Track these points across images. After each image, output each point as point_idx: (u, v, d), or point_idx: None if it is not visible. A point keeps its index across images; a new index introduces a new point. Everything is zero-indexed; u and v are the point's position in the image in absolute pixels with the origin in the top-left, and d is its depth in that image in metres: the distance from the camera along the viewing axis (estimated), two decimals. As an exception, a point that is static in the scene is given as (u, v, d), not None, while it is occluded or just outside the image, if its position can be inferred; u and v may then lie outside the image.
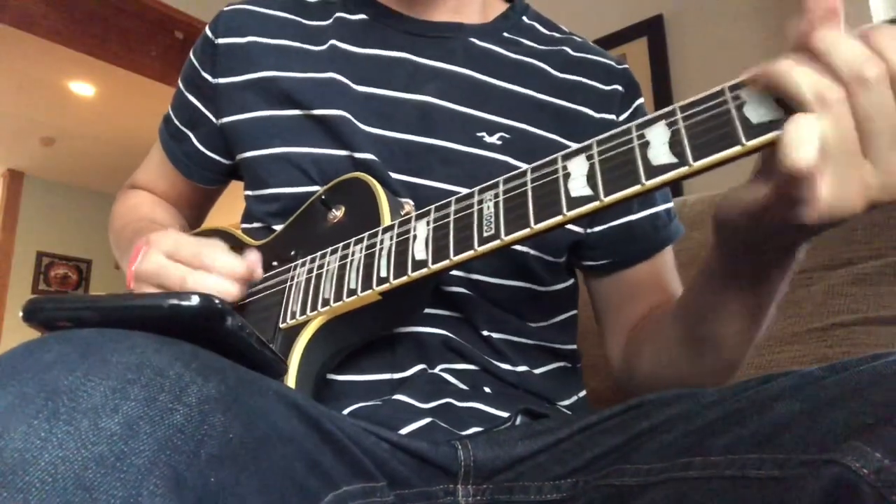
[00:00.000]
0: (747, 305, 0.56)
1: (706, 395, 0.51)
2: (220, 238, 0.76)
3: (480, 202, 0.54)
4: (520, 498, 0.57)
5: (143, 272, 0.60)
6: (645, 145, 0.46)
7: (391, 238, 0.58)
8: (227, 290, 0.60)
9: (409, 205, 0.65)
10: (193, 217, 0.94)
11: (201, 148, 0.81)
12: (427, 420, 0.60)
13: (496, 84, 0.74)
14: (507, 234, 0.51)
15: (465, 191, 0.55)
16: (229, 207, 1.05)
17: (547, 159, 0.52)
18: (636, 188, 0.45)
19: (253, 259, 0.64)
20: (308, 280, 0.62)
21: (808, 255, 0.92)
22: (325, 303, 0.58)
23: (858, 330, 0.84)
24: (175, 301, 0.42)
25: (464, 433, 0.60)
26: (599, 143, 0.49)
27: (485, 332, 0.67)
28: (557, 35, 0.83)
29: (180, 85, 0.82)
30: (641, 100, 0.81)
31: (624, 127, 0.48)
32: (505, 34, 0.79)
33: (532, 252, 0.71)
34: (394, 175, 0.68)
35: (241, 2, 0.80)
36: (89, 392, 0.32)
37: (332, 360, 0.62)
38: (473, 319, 0.67)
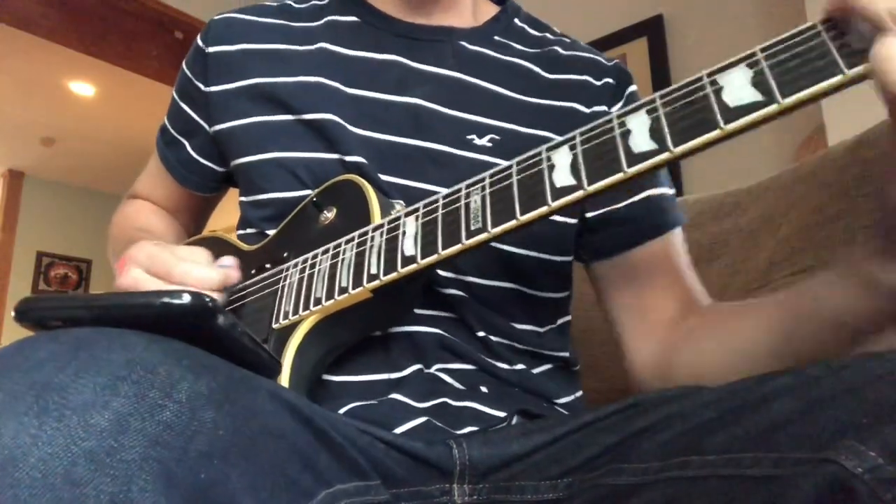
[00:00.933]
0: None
1: (703, 394, 0.51)
2: (213, 245, 0.77)
3: (468, 196, 0.54)
4: (516, 497, 0.56)
5: (122, 287, 0.62)
6: (626, 133, 0.47)
7: (381, 235, 0.58)
8: None
9: (399, 205, 0.65)
10: (192, 224, 0.94)
11: (195, 156, 0.82)
12: (422, 419, 0.60)
13: (486, 87, 0.74)
14: (493, 227, 0.51)
15: (455, 187, 0.56)
16: (231, 213, 1.05)
17: (532, 152, 0.53)
18: (619, 176, 0.47)
19: (227, 264, 0.64)
20: (300, 280, 0.62)
21: (808, 255, 0.92)
22: (318, 302, 0.59)
23: (858, 330, 0.84)
24: (166, 299, 0.42)
25: (459, 432, 0.60)
26: (582, 133, 0.50)
27: (480, 333, 0.67)
28: (549, 36, 0.83)
29: (174, 95, 0.83)
30: (634, 87, 0.81)
31: (606, 117, 0.49)
32: (495, 37, 0.79)
33: (535, 255, 0.71)
34: (384, 177, 0.68)
35: (231, 10, 0.80)
36: (79, 389, 0.32)
37: (325, 359, 0.62)
38: (467, 320, 0.67)
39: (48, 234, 5.16)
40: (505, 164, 0.54)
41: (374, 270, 0.56)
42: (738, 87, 0.43)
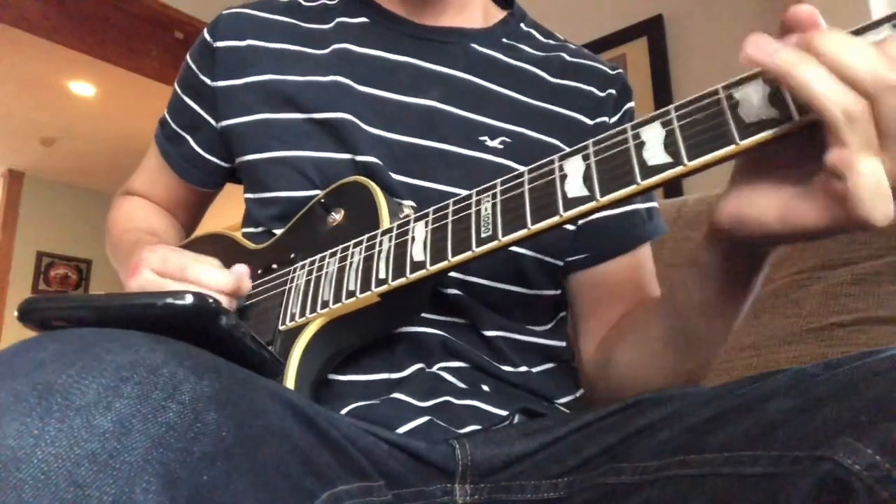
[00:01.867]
0: (736, 304, 0.56)
1: (701, 393, 0.51)
2: (218, 242, 0.77)
3: (478, 203, 0.54)
4: (517, 497, 0.57)
5: (132, 289, 0.61)
6: (640, 145, 0.46)
7: (390, 240, 0.58)
8: None
9: (408, 208, 0.65)
10: (189, 221, 0.94)
11: (200, 151, 0.82)
12: (425, 419, 0.60)
13: (496, 90, 0.75)
14: (504, 235, 0.51)
15: (467, 194, 0.56)
16: (222, 210, 1.05)
17: (544, 161, 0.52)
18: (632, 188, 0.46)
19: (240, 272, 0.64)
20: (307, 282, 0.62)
21: (808, 255, 0.92)
22: (325, 304, 0.59)
23: (858, 330, 0.84)
24: (169, 300, 0.42)
25: (461, 431, 0.60)
26: (595, 143, 0.49)
27: (486, 333, 0.67)
28: (553, 42, 0.84)
29: (177, 89, 0.82)
30: (631, 104, 0.82)
31: (620, 128, 0.48)
32: (504, 40, 0.80)
33: (532, 255, 0.71)
34: (396, 177, 0.68)
35: (239, 6, 0.80)
36: (82, 390, 0.33)
37: (330, 361, 0.62)
38: (472, 321, 0.67)
39: (48, 234, 5.15)
40: (517, 167, 0.54)
41: (382, 275, 0.56)
42: (755, 103, 0.42)
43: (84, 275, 5.33)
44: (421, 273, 0.54)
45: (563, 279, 0.79)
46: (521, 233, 0.50)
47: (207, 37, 0.78)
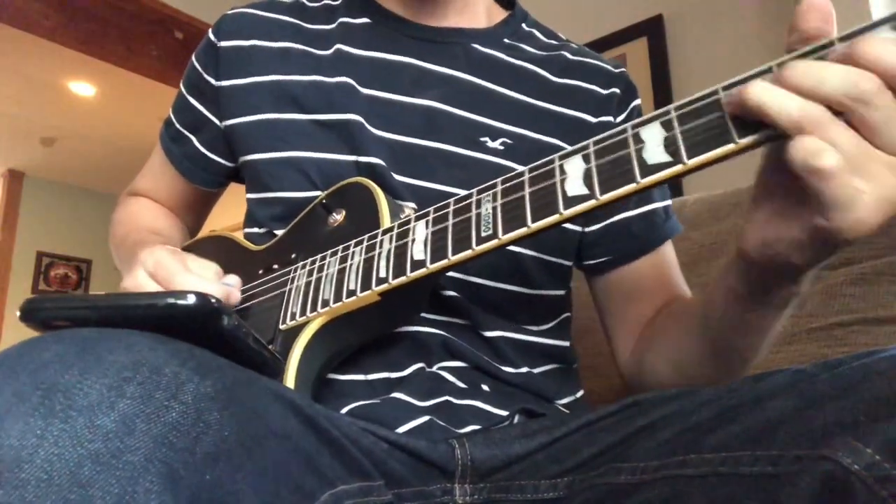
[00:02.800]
0: (769, 322, 0.55)
1: (701, 393, 0.51)
2: (220, 244, 0.77)
3: (479, 203, 0.54)
4: (516, 496, 0.57)
5: (125, 288, 0.62)
6: (640, 144, 0.47)
7: (390, 240, 0.58)
8: None
9: (409, 208, 0.65)
10: (193, 221, 0.94)
11: (203, 150, 0.82)
12: (425, 418, 0.60)
13: (498, 90, 0.75)
14: (504, 234, 0.51)
15: (466, 193, 0.56)
16: (225, 210, 1.05)
17: (544, 160, 0.52)
18: (632, 186, 0.46)
19: (230, 284, 0.64)
20: (308, 282, 0.62)
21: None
22: (325, 304, 0.59)
23: (858, 330, 0.84)
24: (171, 300, 0.42)
25: (461, 431, 0.60)
26: (595, 143, 0.49)
27: (486, 334, 0.67)
28: (555, 42, 0.84)
29: (182, 88, 0.83)
30: (638, 101, 0.82)
31: (620, 127, 0.48)
32: (506, 40, 0.80)
33: (533, 254, 0.71)
34: (398, 177, 0.68)
35: (243, 6, 0.80)
36: (85, 390, 0.33)
37: (331, 361, 0.62)
38: (472, 322, 0.67)
39: (48, 234, 5.15)
40: (518, 167, 0.54)
41: (382, 274, 0.56)
42: None
43: (84, 275, 5.33)
44: (421, 272, 0.55)
45: (590, 277, 0.79)
46: (521, 231, 0.50)
47: (212, 37, 0.79)
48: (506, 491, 0.57)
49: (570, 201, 0.49)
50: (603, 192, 0.47)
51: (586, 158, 0.49)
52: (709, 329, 0.60)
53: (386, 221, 0.61)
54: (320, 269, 0.62)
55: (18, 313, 0.47)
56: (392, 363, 0.64)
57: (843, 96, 0.38)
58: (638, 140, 0.47)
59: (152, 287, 0.60)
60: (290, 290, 0.64)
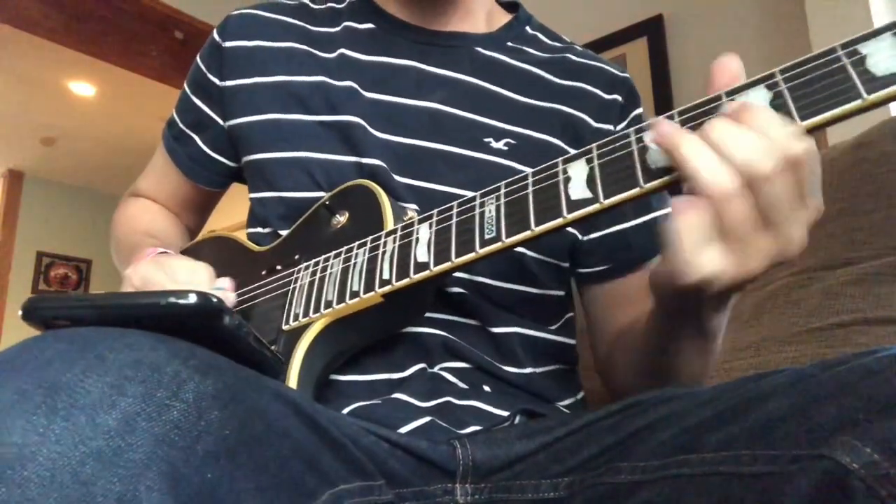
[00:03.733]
0: (697, 342, 0.59)
1: (701, 393, 0.51)
2: (222, 244, 0.78)
3: (482, 205, 0.55)
4: (517, 497, 0.57)
5: None
6: (644, 149, 0.47)
7: (394, 241, 0.58)
8: None
9: (412, 211, 0.66)
10: (195, 221, 0.94)
11: (207, 150, 0.82)
12: (426, 419, 0.60)
13: (501, 92, 0.75)
14: (508, 237, 0.51)
15: (471, 195, 0.56)
16: (227, 210, 1.06)
17: (548, 164, 0.53)
18: (635, 191, 0.47)
19: (223, 286, 0.64)
20: (311, 283, 0.62)
21: (808, 255, 0.92)
22: (328, 305, 0.59)
23: (858, 330, 0.84)
24: (172, 299, 0.42)
25: (463, 432, 0.60)
26: (599, 147, 0.50)
27: (495, 330, 0.67)
28: (559, 44, 0.84)
29: (186, 88, 0.83)
30: (640, 110, 0.82)
31: (623, 132, 0.49)
32: (509, 43, 0.80)
33: (536, 256, 0.71)
34: (401, 179, 0.68)
35: (248, 6, 0.80)
36: (87, 388, 0.33)
37: (334, 362, 0.63)
38: (480, 319, 0.67)
39: (48, 234, 5.15)
40: (522, 168, 0.55)
41: (386, 276, 0.57)
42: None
43: (84, 275, 5.33)
44: (425, 274, 0.55)
45: (582, 284, 0.79)
46: (525, 234, 0.51)
47: (216, 37, 0.79)
48: (507, 491, 0.57)
49: (574, 205, 0.49)
50: (606, 195, 0.47)
51: (590, 162, 0.50)
52: (651, 349, 0.63)
53: (389, 223, 0.61)
54: (323, 270, 0.62)
55: (20, 312, 0.47)
56: (393, 364, 0.64)
57: (746, 169, 0.42)
58: (641, 144, 0.47)
59: None
60: (294, 290, 0.64)
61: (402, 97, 0.73)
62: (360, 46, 0.76)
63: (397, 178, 0.68)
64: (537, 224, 0.50)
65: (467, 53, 0.77)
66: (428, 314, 0.65)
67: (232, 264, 0.72)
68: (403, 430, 0.59)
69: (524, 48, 0.81)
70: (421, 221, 0.58)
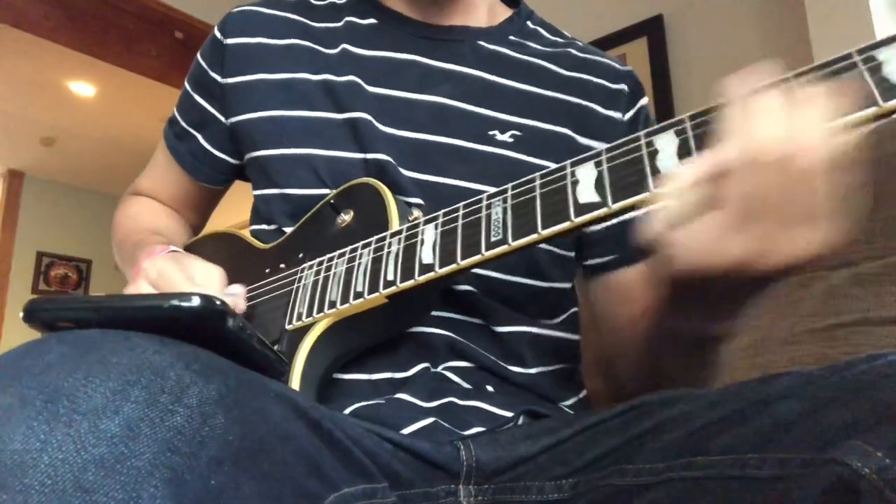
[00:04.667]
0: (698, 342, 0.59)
1: (707, 395, 0.51)
2: (227, 242, 0.77)
3: (489, 207, 0.54)
4: (521, 498, 0.57)
5: None
6: (654, 153, 0.47)
7: (399, 242, 0.58)
8: None
9: (417, 210, 0.65)
10: (197, 220, 0.94)
11: (209, 147, 0.82)
12: (430, 420, 0.60)
13: (506, 84, 0.75)
14: (514, 240, 0.51)
15: (478, 187, 0.56)
16: (227, 210, 1.05)
17: (556, 166, 0.52)
18: (644, 195, 0.46)
19: (235, 292, 0.64)
20: (315, 282, 0.62)
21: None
22: (332, 305, 0.59)
23: (858, 330, 0.84)
24: (176, 302, 0.42)
25: (466, 433, 0.60)
26: (608, 150, 0.50)
27: (499, 329, 0.67)
28: (561, 39, 0.84)
29: (187, 86, 0.83)
30: (645, 100, 0.82)
31: (633, 135, 0.48)
32: (511, 37, 0.80)
33: (543, 246, 0.71)
34: (407, 173, 0.68)
35: (249, 3, 0.80)
36: (89, 394, 0.32)
37: (337, 362, 0.62)
38: (484, 318, 0.67)
39: (48, 234, 5.14)
40: (528, 159, 0.54)
41: (390, 277, 0.56)
42: None
43: (84, 275, 5.32)
44: (430, 275, 0.55)
45: (587, 275, 0.79)
46: (532, 237, 0.51)
47: (218, 34, 0.79)
48: (510, 492, 0.57)
49: (582, 209, 0.49)
50: (615, 200, 0.47)
51: (598, 165, 0.49)
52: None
53: (394, 223, 0.61)
54: (327, 269, 0.62)
55: (22, 314, 0.47)
56: (397, 363, 0.64)
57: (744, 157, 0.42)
58: (651, 148, 0.47)
59: None
60: (297, 290, 0.63)
61: (407, 91, 0.73)
62: (363, 42, 0.76)
63: (404, 172, 0.68)
64: (544, 227, 0.50)
65: (470, 47, 0.77)
66: (435, 312, 0.65)
67: (235, 262, 0.71)
68: (407, 430, 0.59)
69: (526, 42, 0.81)
70: (426, 222, 0.58)
